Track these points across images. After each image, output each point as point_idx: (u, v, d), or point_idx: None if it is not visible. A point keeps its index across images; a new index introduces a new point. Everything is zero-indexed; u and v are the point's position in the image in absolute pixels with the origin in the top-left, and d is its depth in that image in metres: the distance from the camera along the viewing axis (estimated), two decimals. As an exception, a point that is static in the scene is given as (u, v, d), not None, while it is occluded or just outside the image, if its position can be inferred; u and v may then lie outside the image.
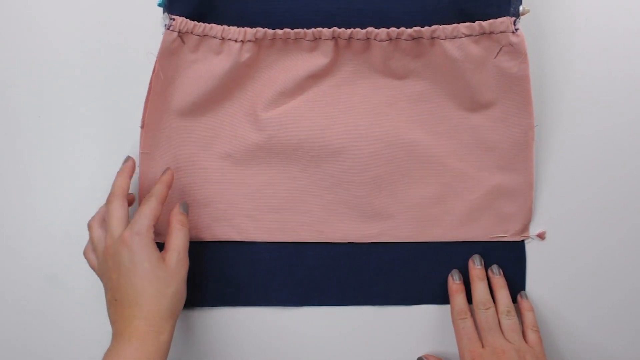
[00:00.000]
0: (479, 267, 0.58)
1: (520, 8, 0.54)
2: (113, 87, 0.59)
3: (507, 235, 0.59)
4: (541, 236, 0.59)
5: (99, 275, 0.54)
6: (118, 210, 0.52)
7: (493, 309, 0.57)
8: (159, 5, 0.55)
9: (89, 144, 0.60)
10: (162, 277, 0.50)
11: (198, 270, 0.59)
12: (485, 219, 0.59)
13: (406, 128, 0.58)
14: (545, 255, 0.59)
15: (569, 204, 0.59)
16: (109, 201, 0.53)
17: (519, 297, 0.59)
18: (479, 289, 0.57)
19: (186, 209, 0.55)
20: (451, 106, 0.58)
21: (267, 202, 0.59)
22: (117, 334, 0.50)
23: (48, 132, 0.60)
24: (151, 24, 0.57)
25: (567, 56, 0.59)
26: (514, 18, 0.54)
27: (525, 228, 0.59)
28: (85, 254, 0.55)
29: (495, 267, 0.59)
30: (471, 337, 0.55)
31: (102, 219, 0.54)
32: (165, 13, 0.55)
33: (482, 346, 0.55)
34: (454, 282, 0.58)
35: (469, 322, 0.56)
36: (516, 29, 0.54)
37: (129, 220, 0.53)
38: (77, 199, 0.59)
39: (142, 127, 0.57)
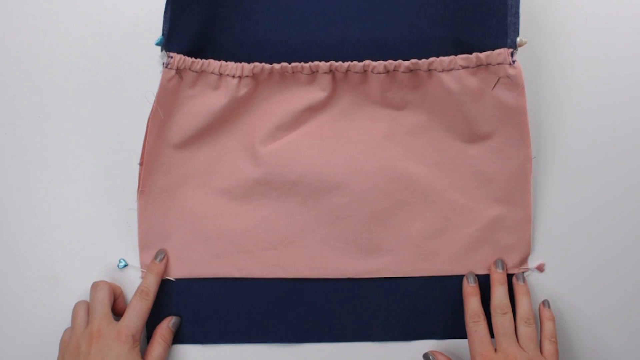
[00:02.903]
0: (500, 271, 0.58)
1: (518, 40, 0.55)
2: (113, 89, 0.60)
3: (507, 268, 0.59)
4: (540, 268, 0.59)
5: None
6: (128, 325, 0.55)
7: (511, 314, 0.55)
8: (157, 44, 0.55)
9: (89, 144, 0.60)
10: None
11: (197, 306, 0.59)
12: (484, 252, 0.59)
13: (404, 161, 0.58)
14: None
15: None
16: (94, 286, 0.57)
17: (541, 305, 0.58)
18: (499, 292, 0.56)
19: (176, 325, 0.58)
20: (449, 138, 0.58)
21: (265, 238, 0.59)
22: None
23: (48, 132, 0.60)
24: (150, 61, 0.58)
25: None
26: (511, 50, 0.54)
27: (524, 260, 0.59)
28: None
29: (520, 275, 0.58)
30: (484, 340, 0.54)
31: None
32: (163, 51, 0.55)
33: (495, 351, 0.54)
34: (469, 285, 0.57)
35: (482, 326, 0.55)
36: (513, 61, 0.55)
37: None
38: (77, 199, 0.59)
39: (140, 164, 0.57)
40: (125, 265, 0.59)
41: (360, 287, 0.59)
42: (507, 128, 0.56)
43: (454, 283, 0.59)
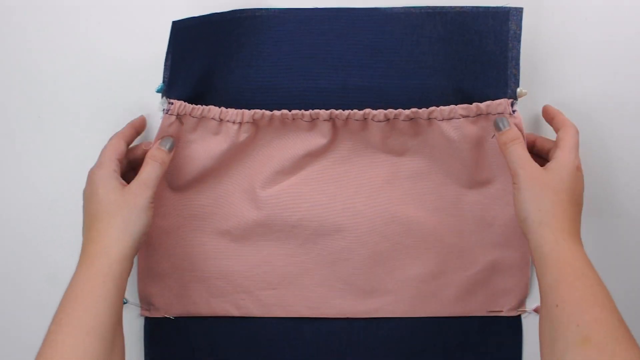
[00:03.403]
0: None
1: (518, 90, 0.55)
2: (115, 93, 0.59)
3: (504, 310, 0.59)
4: (537, 311, 0.59)
5: None
6: (109, 147, 0.54)
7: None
8: (158, 91, 0.55)
9: (89, 144, 0.59)
10: (114, 201, 0.51)
11: (196, 345, 0.59)
12: (482, 294, 0.59)
13: (403, 205, 0.58)
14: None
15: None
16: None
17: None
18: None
19: (168, 145, 0.54)
20: (448, 183, 0.58)
21: (265, 278, 0.59)
22: (78, 262, 0.50)
23: (48, 132, 0.60)
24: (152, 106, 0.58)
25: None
26: (511, 100, 0.55)
27: (521, 303, 0.60)
28: None
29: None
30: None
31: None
32: (164, 97, 0.55)
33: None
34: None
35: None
36: (513, 111, 0.54)
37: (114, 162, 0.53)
38: (77, 199, 0.59)
39: None
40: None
41: (358, 327, 0.60)
42: (506, 175, 0.56)
43: (451, 324, 0.59)
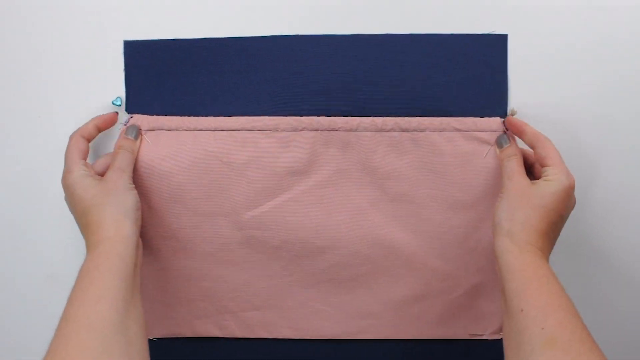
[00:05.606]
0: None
1: (509, 110, 0.56)
2: (112, 86, 0.59)
3: (486, 333, 0.60)
4: (519, 334, 0.60)
5: None
6: (70, 149, 0.54)
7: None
8: (114, 104, 0.56)
9: (89, 144, 0.58)
10: (97, 193, 0.52)
11: (179, 366, 0.60)
12: (464, 318, 0.60)
13: (388, 228, 0.58)
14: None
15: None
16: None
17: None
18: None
19: (134, 133, 0.56)
20: (433, 207, 0.58)
21: (248, 299, 0.59)
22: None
23: (48, 132, 0.59)
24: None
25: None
26: (503, 119, 0.55)
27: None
28: None
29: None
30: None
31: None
32: (125, 111, 0.56)
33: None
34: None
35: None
36: (506, 130, 0.55)
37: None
38: None
39: None
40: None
41: (341, 349, 0.60)
42: (492, 197, 0.56)
43: (434, 347, 0.60)
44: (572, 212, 0.53)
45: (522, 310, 0.47)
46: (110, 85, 0.58)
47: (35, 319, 0.60)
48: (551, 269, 0.49)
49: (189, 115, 0.56)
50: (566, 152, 0.53)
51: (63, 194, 0.58)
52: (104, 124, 0.56)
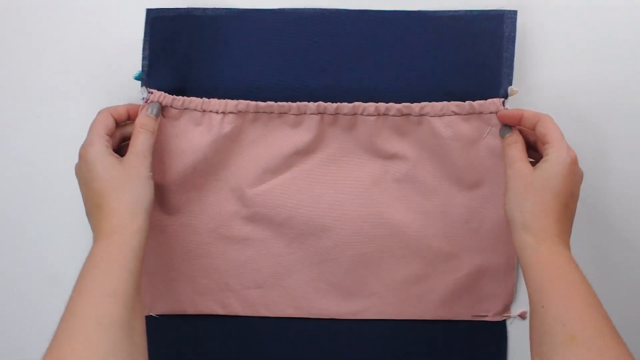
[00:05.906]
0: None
1: (509, 89, 0.56)
2: (114, 89, 0.59)
3: (489, 315, 0.59)
4: (522, 316, 0.60)
5: None
6: (97, 122, 0.53)
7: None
8: (135, 78, 0.56)
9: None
10: (117, 176, 0.50)
11: (180, 344, 0.59)
12: (467, 299, 0.59)
13: (391, 207, 0.58)
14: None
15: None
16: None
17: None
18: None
19: (155, 110, 0.54)
20: (436, 186, 0.58)
21: (250, 277, 0.59)
22: (93, 241, 0.50)
23: (48, 132, 0.59)
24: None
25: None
26: (502, 99, 0.55)
27: (506, 308, 0.60)
28: None
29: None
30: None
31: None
32: (143, 87, 0.55)
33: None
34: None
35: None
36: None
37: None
38: (77, 198, 0.58)
39: None
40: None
41: (342, 328, 0.60)
42: (495, 177, 0.57)
43: (436, 327, 0.59)
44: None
45: (542, 307, 0.46)
46: (110, 85, 0.58)
47: (35, 319, 0.60)
48: (571, 257, 0.48)
49: (200, 87, 0.56)
50: (571, 136, 0.52)
51: (63, 192, 0.59)
52: (135, 114, 0.55)
